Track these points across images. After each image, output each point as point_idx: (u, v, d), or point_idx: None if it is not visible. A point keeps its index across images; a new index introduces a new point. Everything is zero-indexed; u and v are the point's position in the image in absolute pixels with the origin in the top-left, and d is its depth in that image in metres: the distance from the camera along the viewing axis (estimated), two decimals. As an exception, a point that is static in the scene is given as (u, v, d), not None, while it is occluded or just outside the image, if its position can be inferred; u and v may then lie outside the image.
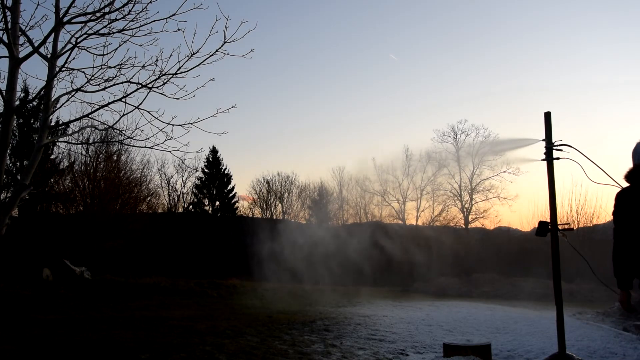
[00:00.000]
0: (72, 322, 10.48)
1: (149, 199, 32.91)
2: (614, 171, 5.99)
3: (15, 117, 5.39)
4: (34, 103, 21.45)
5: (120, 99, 5.35)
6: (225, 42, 5.22)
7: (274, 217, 37.61)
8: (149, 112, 5.43)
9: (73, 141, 20.29)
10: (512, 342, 9.58)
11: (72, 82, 5.42)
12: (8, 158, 19.78)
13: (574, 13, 56.55)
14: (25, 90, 16.18)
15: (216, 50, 5.27)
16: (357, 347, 8.93)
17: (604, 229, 29.54)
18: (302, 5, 64.84)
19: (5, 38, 4.99)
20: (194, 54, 5.20)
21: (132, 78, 5.36)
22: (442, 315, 14.37)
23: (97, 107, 5.42)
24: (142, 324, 10.63)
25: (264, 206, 38.48)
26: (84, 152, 26.72)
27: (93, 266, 21.57)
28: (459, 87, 59.16)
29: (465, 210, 37.98)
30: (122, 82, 5.37)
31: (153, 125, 5.50)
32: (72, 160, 26.40)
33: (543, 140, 6.92)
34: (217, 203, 36.27)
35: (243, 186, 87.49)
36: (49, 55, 5.27)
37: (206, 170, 36.26)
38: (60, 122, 17.76)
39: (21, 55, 5.13)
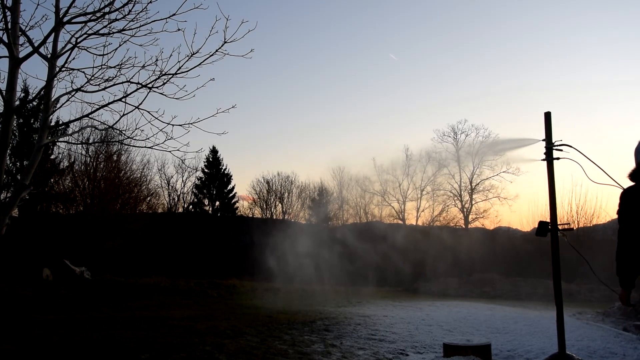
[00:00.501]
0: (72, 322, 10.48)
1: (149, 199, 32.94)
2: (614, 171, 6.00)
3: (15, 117, 5.39)
4: (34, 103, 21.45)
5: (120, 99, 5.35)
6: (225, 42, 5.22)
7: (274, 217, 37.61)
8: (149, 112, 5.44)
9: (73, 141, 20.32)
10: (512, 342, 9.58)
11: (72, 82, 5.43)
12: (8, 158, 19.78)
13: (574, 13, 56.61)
14: (25, 90, 16.19)
15: (216, 50, 5.27)
16: (357, 347, 8.93)
17: (604, 229, 29.54)
18: (302, 5, 64.92)
19: (5, 38, 4.99)
20: (194, 54, 5.21)
21: (132, 78, 5.37)
22: (442, 315, 14.37)
23: (97, 107, 5.43)
24: (142, 324, 10.63)
25: (264, 206, 38.51)
26: (84, 152, 26.75)
27: (93, 266, 21.56)
28: (459, 87, 59.25)
29: (465, 210, 38.00)
30: (122, 82, 5.38)
31: (153, 125, 5.51)
32: (72, 160, 26.44)
33: (543, 140, 6.93)
34: (217, 203, 36.28)
35: (243, 186, 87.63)
36: (49, 55, 5.27)
37: (206, 170, 36.28)
38: (60, 122, 17.77)
39: (21, 55, 5.12)
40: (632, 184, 4.21)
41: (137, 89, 5.35)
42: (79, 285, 18.27)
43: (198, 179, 36.27)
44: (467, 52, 59.78)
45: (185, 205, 36.37)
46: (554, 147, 6.83)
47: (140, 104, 5.37)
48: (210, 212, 36.14)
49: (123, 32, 5.35)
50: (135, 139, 5.71)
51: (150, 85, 5.33)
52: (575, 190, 31.89)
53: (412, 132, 56.83)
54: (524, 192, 52.35)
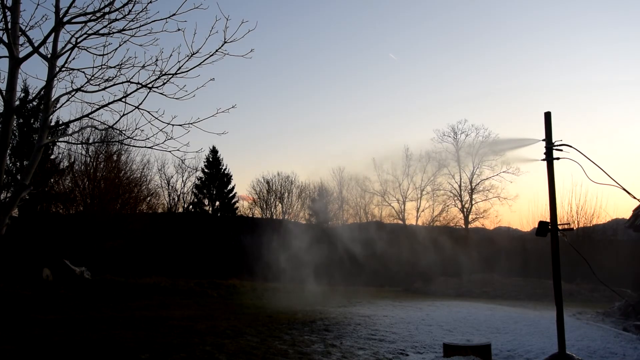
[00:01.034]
0: (72, 322, 10.48)
1: (149, 199, 32.92)
2: (614, 171, 6.00)
3: (15, 117, 5.39)
4: (34, 103, 21.44)
5: (120, 99, 5.35)
6: (225, 42, 5.22)
7: (274, 217, 37.60)
8: (149, 112, 5.43)
9: (73, 141, 20.31)
10: (512, 342, 9.58)
11: (72, 82, 5.42)
12: (8, 158, 19.79)
13: (574, 13, 56.63)
14: (25, 90, 16.17)
15: (216, 50, 5.27)
16: (357, 347, 8.94)
17: (604, 229, 29.57)
18: (302, 5, 64.93)
19: (5, 38, 4.99)
20: (194, 54, 5.20)
21: (132, 78, 5.36)
22: (442, 315, 14.38)
23: (97, 107, 5.42)
24: (142, 324, 10.63)
25: (264, 206, 38.48)
26: (84, 152, 26.73)
27: (93, 266, 21.56)
28: (459, 87, 59.25)
29: (465, 210, 37.99)
30: (122, 82, 5.37)
31: (153, 125, 5.50)
32: (72, 160, 26.42)
33: (543, 140, 6.94)
34: (217, 203, 36.27)
35: (243, 186, 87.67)
36: (49, 55, 5.27)
37: (206, 170, 36.27)
38: (60, 122, 17.76)
39: (21, 55, 5.12)
40: None
41: (137, 89, 5.35)
42: (79, 285, 18.27)
43: (198, 179, 36.32)
44: (467, 52, 59.87)
45: (185, 205, 36.39)
46: (554, 147, 6.84)
47: (140, 104, 5.37)
48: (210, 212, 36.13)
49: (123, 32, 5.35)
50: (135, 139, 5.71)
51: (150, 85, 5.33)
52: (575, 190, 31.96)
53: (412, 132, 56.86)
54: (524, 192, 52.49)
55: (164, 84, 5.34)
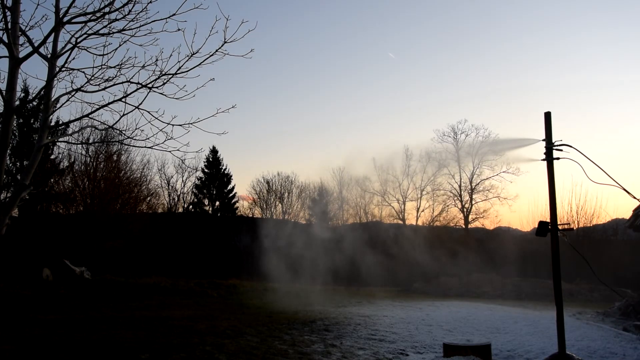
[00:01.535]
0: (72, 322, 10.49)
1: (149, 199, 32.91)
2: (614, 171, 6.00)
3: (15, 117, 5.39)
4: (34, 103, 21.44)
5: (120, 99, 5.34)
6: (225, 42, 5.22)
7: (274, 217, 37.59)
8: (149, 112, 5.43)
9: (73, 141, 20.31)
10: (512, 342, 9.58)
11: (72, 82, 5.42)
12: (8, 158, 19.79)
13: (574, 13, 56.63)
14: (25, 90, 16.18)
15: (216, 50, 5.27)
16: (357, 347, 8.94)
17: (604, 229, 29.56)
18: (302, 5, 64.92)
19: (5, 38, 4.99)
20: (194, 54, 5.20)
21: (132, 78, 5.36)
22: (442, 315, 14.38)
23: (97, 107, 5.42)
24: (142, 324, 10.63)
25: (264, 206, 38.48)
26: (84, 152, 26.73)
27: (93, 266, 21.56)
28: (459, 87, 59.23)
29: (465, 210, 37.98)
30: (122, 82, 5.37)
31: (153, 125, 5.50)
32: (72, 160, 26.42)
33: (543, 140, 6.94)
34: (217, 203, 36.27)
35: (243, 186, 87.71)
36: (49, 55, 5.27)
37: (206, 170, 36.26)
38: (60, 122, 17.77)
39: (21, 55, 5.12)
40: None
41: (137, 89, 5.35)
42: (79, 285, 18.27)
43: (198, 179, 36.31)
44: (467, 52, 59.85)
45: (185, 205, 36.37)
46: (554, 147, 6.84)
47: (140, 104, 5.37)
48: (210, 212, 36.13)
49: (123, 32, 5.35)
50: (135, 139, 5.71)
51: (150, 85, 5.33)
52: (575, 190, 31.96)
53: (412, 132, 56.84)
54: (524, 192, 52.42)
55: (164, 84, 5.34)
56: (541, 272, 22.51)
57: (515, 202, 38.95)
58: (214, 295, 19.16)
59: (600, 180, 6.72)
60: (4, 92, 5.03)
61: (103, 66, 5.42)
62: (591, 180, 6.78)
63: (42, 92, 5.32)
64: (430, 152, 35.72)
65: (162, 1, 5.37)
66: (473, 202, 37.99)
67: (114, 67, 5.41)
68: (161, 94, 5.41)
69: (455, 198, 38.31)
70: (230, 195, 36.53)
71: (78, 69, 5.41)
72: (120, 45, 5.43)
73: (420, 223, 38.31)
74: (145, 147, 5.73)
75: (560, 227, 6.81)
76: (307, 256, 19.74)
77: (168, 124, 5.47)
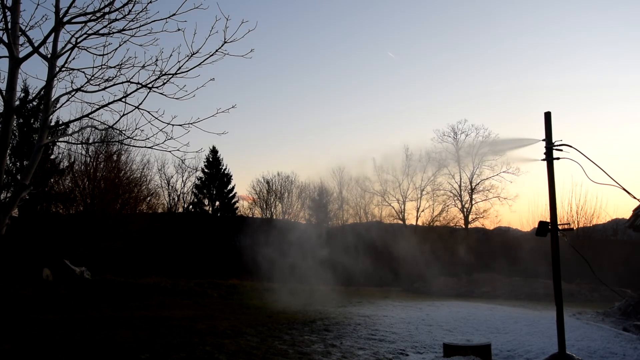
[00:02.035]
0: (72, 322, 10.49)
1: (149, 199, 32.92)
2: (614, 171, 6.00)
3: (15, 117, 5.38)
4: (34, 103, 21.46)
5: (120, 99, 5.35)
6: (225, 42, 5.22)
7: (274, 217, 37.59)
8: (149, 112, 5.44)
9: (73, 141, 20.29)
10: (512, 342, 9.58)
11: (72, 82, 5.43)
12: (8, 158, 19.77)
13: (574, 13, 56.62)
14: (25, 90, 16.19)
15: (216, 50, 5.27)
16: (357, 347, 8.94)
17: (604, 229, 29.56)
18: (302, 5, 64.91)
19: (5, 38, 4.99)
20: (194, 54, 5.20)
21: (132, 78, 5.36)
22: (442, 315, 14.38)
23: (97, 107, 5.43)
24: (142, 324, 10.63)
25: (264, 206, 38.45)
26: (84, 152, 26.74)
27: (93, 266, 21.55)
28: (459, 87, 59.21)
29: (465, 210, 37.97)
30: (122, 82, 5.38)
31: (153, 125, 5.51)
32: (72, 160, 26.43)
33: (543, 140, 6.94)
34: (217, 203, 36.25)
35: (243, 186, 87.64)
36: (49, 55, 5.27)
37: (206, 170, 36.25)
38: (60, 122, 17.79)
39: (21, 55, 5.12)
40: None
41: (137, 89, 5.36)
42: (79, 285, 18.26)
43: (198, 179, 36.30)
44: (467, 52, 59.84)
45: (185, 205, 36.36)
46: (554, 147, 6.84)
47: (140, 104, 5.38)
48: (210, 212, 36.12)
49: (123, 32, 5.35)
50: (135, 139, 5.71)
51: (150, 85, 5.33)
52: (575, 190, 31.97)
53: (412, 132, 56.83)
54: (524, 192, 52.38)
55: (164, 84, 5.35)
56: (541, 272, 22.48)
57: (515, 202, 38.99)
58: (214, 295, 19.15)
59: (600, 180, 6.72)
60: (4, 92, 5.03)
61: (103, 66, 5.42)
62: (591, 180, 6.78)
63: (42, 92, 5.32)
64: (430, 152, 35.72)
65: (162, 1, 5.37)
66: (473, 202, 38.01)
67: (114, 67, 5.42)
68: (161, 94, 5.42)
69: (455, 198, 38.34)
70: (230, 195, 36.53)
71: (78, 69, 5.42)
72: (120, 45, 5.44)
73: (420, 223, 38.34)
74: (145, 147, 5.75)
75: (560, 227, 6.81)
76: (307, 257, 19.73)
77: (168, 124, 5.48)
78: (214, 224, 34.25)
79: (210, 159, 36.54)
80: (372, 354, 8.30)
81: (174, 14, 5.16)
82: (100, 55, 5.41)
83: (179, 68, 5.27)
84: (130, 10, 5.22)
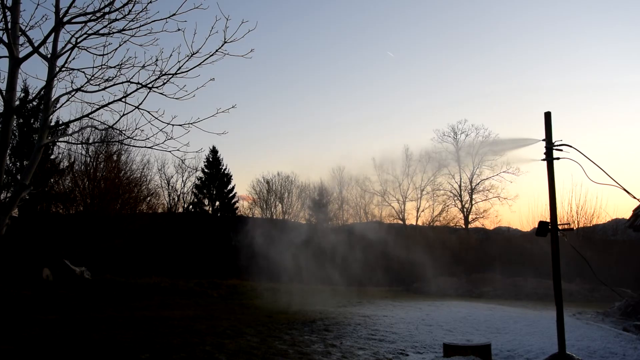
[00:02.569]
0: (72, 322, 10.49)
1: (149, 199, 32.92)
2: (614, 171, 6.00)
3: (15, 117, 5.38)
4: (34, 103, 21.44)
5: (120, 99, 5.35)
6: (225, 42, 5.22)
7: (274, 217, 37.57)
8: (149, 112, 5.43)
9: (73, 141, 20.27)
10: (512, 342, 9.58)
11: (72, 82, 5.42)
12: (8, 158, 19.78)
13: (574, 13, 56.62)
14: (25, 90, 16.16)
15: (216, 50, 5.26)
16: (357, 347, 8.94)
17: (604, 229, 29.55)
18: (302, 5, 64.92)
19: (5, 38, 4.99)
20: (194, 54, 5.20)
21: (132, 78, 5.36)
22: (442, 315, 14.38)
23: (97, 107, 5.42)
24: (142, 324, 10.63)
25: (264, 206, 38.47)
26: (84, 152, 26.74)
27: (93, 266, 21.55)
28: (459, 87, 59.23)
29: (465, 210, 37.99)
30: (122, 82, 5.37)
31: (153, 125, 5.50)
32: (72, 160, 26.43)
33: (543, 140, 6.94)
34: (217, 203, 36.24)
35: (243, 186, 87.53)
36: (49, 55, 5.27)
37: (206, 170, 36.23)
38: (60, 122, 17.76)
39: (21, 55, 5.12)
40: None
41: (137, 89, 5.35)
42: (79, 285, 18.26)
43: (198, 179, 36.28)
44: (467, 52, 59.85)
45: (185, 205, 36.36)
46: (554, 147, 6.84)
47: (140, 104, 5.37)
48: (210, 212, 36.10)
49: (123, 32, 5.35)
50: (135, 139, 5.71)
51: (150, 85, 5.33)
52: (575, 190, 31.97)
53: (412, 132, 56.84)
54: (524, 192, 52.38)
55: (164, 84, 5.34)
56: (541, 272, 22.48)
57: (515, 202, 39.02)
58: (214, 295, 19.15)
59: (600, 180, 6.72)
60: (4, 92, 5.03)
61: (103, 66, 5.42)
62: (591, 180, 6.79)
63: (42, 92, 5.32)
64: (430, 152, 35.78)
65: (162, 1, 5.37)
66: (473, 202, 38.04)
67: (114, 67, 5.41)
68: (161, 94, 5.41)
69: (455, 198, 38.37)
70: (230, 195, 36.52)
71: (78, 69, 5.42)
72: (120, 45, 5.43)
73: (420, 223, 38.35)
74: (145, 147, 5.74)
75: (560, 227, 6.82)
76: (307, 257, 19.73)
77: (168, 124, 5.47)
78: (214, 224, 34.24)
79: (210, 159, 36.54)
80: (372, 354, 8.30)
81: (174, 14, 5.16)
82: (100, 55, 5.41)
83: (179, 68, 5.27)
84: (130, 10, 5.22)
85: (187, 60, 5.23)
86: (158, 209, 34.81)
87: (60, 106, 5.61)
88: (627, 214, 17.33)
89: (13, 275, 17.58)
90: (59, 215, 26.17)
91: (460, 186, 38.11)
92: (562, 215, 28.32)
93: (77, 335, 8.80)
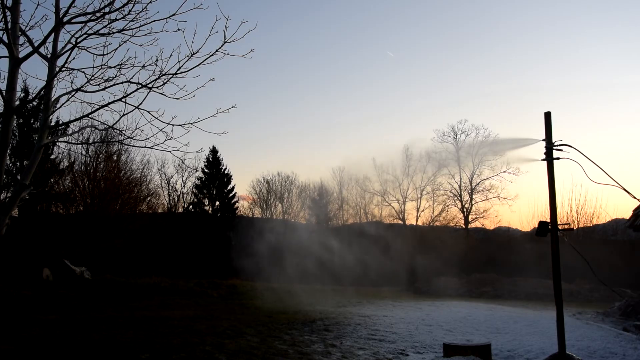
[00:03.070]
0: (72, 322, 10.49)
1: (149, 199, 32.93)
2: (614, 171, 6.00)
3: (15, 117, 5.38)
4: (34, 103, 21.44)
5: (120, 99, 5.34)
6: (225, 42, 5.22)
7: (274, 217, 37.58)
8: (149, 112, 5.43)
9: (73, 141, 20.28)
10: (512, 342, 9.58)
11: (72, 82, 5.42)
12: (8, 158, 19.77)
13: (574, 13, 56.62)
14: (25, 90, 16.15)
15: (216, 50, 5.26)
16: (357, 347, 8.94)
17: (604, 229, 29.56)
18: (302, 5, 64.93)
19: (5, 38, 4.99)
20: (194, 54, 5.20)
21: (132, 78, 5.35)
22: (442, 315, 14.37)
23: (97, 107, 5.42)
24: (142, 324, 10.63)
25: (264, 206, 38.47)
26: (84, 152, 26.75)
27: (93, 266, 21.55)
28: (459, 87, 59.23)
29: (465, 210, 37.99)
30: (122, 82, 5.37)
31: (153, 125, 5.50)
32: (72, 160, 26.44)
33: (543, 140, 6.94)
34: (217, 203, 36.23)
35: (243, 186, 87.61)
36: (49, 55, 5.27)
37: (206, 170, 36.23)
38: (60, 122, 17.75)
39: (21, 55, 5.12)
40: None
41: (137, 89, 5.35)
42: (79, 285, 18.26)
43: (198, 179, 36.28)
44: (467, 52, 59.85)
45: (185, 205, 36.36)
46: (554, 147, 6.84)
47: (140, 104, 5.37)
48: (210, 212, 36.10)
49: (123, 32, 5.34)
50: (135, 139, 5.70)
51: (150, 85, 5.33)
52: (575, 190, 31.97)
53: (412, 132, 56.84)
54: (524, 192, 52.42)
55: (164, 84, 5.34)
56: (541, 272, 22.47)
57: (515, 202, 39.02)
58: (214, 295, 19.15)
59: (600, 180, 6.72)
60: (4, 92, 5.03)
61: (103, 66, 5.42)
62: (591, 180, 6.79)
63: (42, 92, 5.32)
64: (430, 152, 35.76)
65: (162, 1, 5.37)
66: (473, 202, 38.03)
67: (114, 67, 5.41)
68: (161, 94, 5.41)
69: (455, 198, 38.36)
70: (230, 195, 36.52)
71: (78, 69, 5.42)
72: (120, 45, 5.43)
73: (420, 223, 38.35)
74: (145, 147, 5.74)
75: (560, 227, 6.82)
76: (307, 257, 19.73)
77: (168, 124, 5.47)
78: (214, 224, 34.24)
79: (210, 159, 36.53)
80: (372, 354, 8.30)
81: (174, 14, 5.16)
82: (100, 55, 5.41)
83: (179, 68, 5.27)
84: (130, 10, 5.22)
85: (187, 60, 5.23)
86: (158, 209, 34.85)
87: (60, 106, 5.61)
88: (627, 214, 17.31)
89: (13, 275, 17.58)
90: (59, 215, 26.18)
91: (460, 186, 38.14)
92: (562, 215, 28.36)
93: (77, 335, 8.80)
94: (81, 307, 13.50)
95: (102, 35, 5.33)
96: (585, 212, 28.88)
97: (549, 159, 6.84)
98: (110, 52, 5.42)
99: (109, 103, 5.36)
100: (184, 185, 36.82)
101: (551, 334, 8.70)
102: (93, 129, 11.93)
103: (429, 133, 44.40)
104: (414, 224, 38.11)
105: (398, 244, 24.01)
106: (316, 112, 61.31)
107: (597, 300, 21.05)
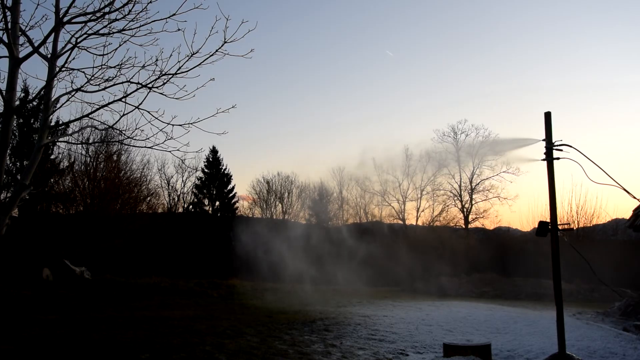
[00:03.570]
0: (72, 322, 10.49)
1: (149, 199, 32.94)
2: (614, 171, 6.00)
3: (15, 117, 5.38)
4: (34, 103, 21.45)
5: (120, 99, 5.34)
6: (225, 42, 5.22)
7: (274, 217, 37.57)
8: (149, 112, 5.43)
9: (73, 141, 20.29)
10: (512, 342, 9.58)
11: (72, 82, 5.42)
12: (8, 158, 19.77)
13: (574, 13, 56.62)
14: (25, 90, 16.15)
15: (216, 50, 5.26)
16: (357, 347, 8.94)
17: (604, 229, 29.55)
18: (302, 5, 64.92)
19: (5, 38, 4.99)
20: (194, 54, 5.20)
21: (132, 78, 5.35)
22: (442, 315, 14.37)
23: (97, 107, 5.42)
24: (142, 324, 10.63)
25: (264, 206, 38.48)
26: (84, 152, 26.75)
27: (93, 266, 21.55)
28: (459, 87, 59.23)
29: (465, 210, 37.98)
30: (122, 82, 5.37)
31: (153, 125, 5.50)
32: (72, 160, 26.44)
33: (543, 140, 6.95)
34: (217, 203, 36.23)
35: (243, 186, 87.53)
36: (49, 55, 5.27)
37: (206, 170, 36.22)
38: (60, 122, 17.75)
39: (21, 55, 5.12)
40: None
41: (137, 89, 5.35)
42: (79, 285, 18.26)
43: (198, 179, 36.28)
44: (467, 52, 59.86)
45: (185, 205, 36.35)
46: (554, 147, 6.84)
47: (140, 104, 5.37)
48: (210, 212, 36.09)
49: (123, 32, 5.35)
50: (135, 139, 5.71)
51: (150, 85, 5.33)
52: (575, 190, 31.95)
53: (412, 132, 56.84)
54: (524, 192, 52.42)
55: (164, 84, 5.34)
56: (541, 272, 22.47)
57: (515, 202, 39.00)
58: (214, 295, 19.15)
59: (600, 180, 6.73)
60: (4, 92, 5.03)
61: (103, 66, 5.42)
62: (591, 180, 6.79)
63: (42, 92, 5.32)
64: (430, 152, 35.73)
65: (162, 1, 5.37)
66: (473, 202, 38.02)
67: (114, 67, 5.41)
68: (161, 94, 5.41)
69: (455, 198, 38.35)
70: (230, 195, 36.51)
71: (78, 69, 5.42)
72: (120, 45, 5.43)
73: (420, 223, 38.34)
74: (145, 147, 5.74)
75: (560, 227, 6.82)
76: (307, 257, 19.74)
77: (168, 124, 5.47)
78: (214, 224, 34.23)
79: (210, 159, 36.53)
80: (372, 354, 8.30)
81: (174, 14, 5.16)
82: (100, 55, 5.41)
83: (179, 68, 5.27)
84: (130, 10, 5.22)
85: (187, 60, 5.23)
86: (158, 209, 34.84)
87: (60, 106, 5.61)
88: (627, 214, 17.31)
89: (13, 275, 17.58)
90: (59, 215, 26.18)
91: (460, 186, 38.13)
92: (562, 215, 28.34)
93: (77, 335, 8.80)
94: (81, 307, 13.50)
95: (102, 35, 5.33)
96: (585, 212, 28.90)
97: (549, 159, 6.84)
98: (110, 52, 5.43)
99: (109, 103, 5.37)
100: (184, 185, 36.84)
101: (551, 334, 8.70)
102: (93, 129, 11.94)
103: (429, 133, 44.39)
104: (414, 224, 38.14)
105: (398, 244, 24.00)
106: (316, 112, 61.35)
107: (597, 300, 21.05)
